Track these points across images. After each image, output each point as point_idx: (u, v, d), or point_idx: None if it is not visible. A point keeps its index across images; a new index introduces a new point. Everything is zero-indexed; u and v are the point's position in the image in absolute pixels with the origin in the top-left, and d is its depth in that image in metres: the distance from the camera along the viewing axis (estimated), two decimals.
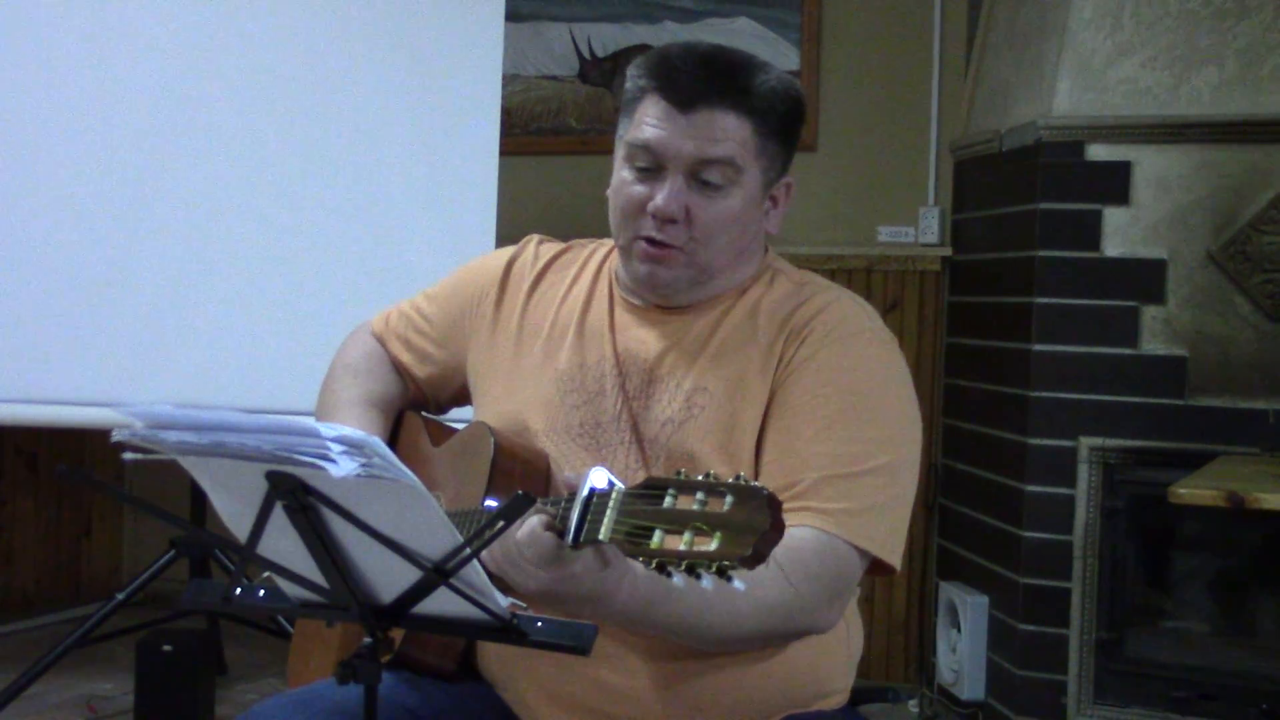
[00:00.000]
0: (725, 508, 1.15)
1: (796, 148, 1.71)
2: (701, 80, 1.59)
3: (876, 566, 1.57)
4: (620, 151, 1.66)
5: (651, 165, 1.62)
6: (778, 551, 1.48)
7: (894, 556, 1.57)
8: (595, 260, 1.79)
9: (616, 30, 4.15)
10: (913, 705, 3.70)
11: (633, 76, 1.65)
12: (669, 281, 1.65)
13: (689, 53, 1.63)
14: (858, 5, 3.99)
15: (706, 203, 1.61)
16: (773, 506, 1.14)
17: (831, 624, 1.56)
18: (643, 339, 1.69)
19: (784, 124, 1.65)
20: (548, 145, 4.20)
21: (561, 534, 1.31)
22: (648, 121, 1.61)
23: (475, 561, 1.25)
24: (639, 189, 1.63)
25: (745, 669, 1.59)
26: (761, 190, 1.66)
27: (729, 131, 1.60)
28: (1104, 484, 3.18)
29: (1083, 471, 3.19)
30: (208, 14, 3.34)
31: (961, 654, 3.44)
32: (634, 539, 1.19)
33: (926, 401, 3.76)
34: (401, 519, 1.23)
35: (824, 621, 1.55)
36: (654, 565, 1.17)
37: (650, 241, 1.63)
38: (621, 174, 1.65)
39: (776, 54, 3.95)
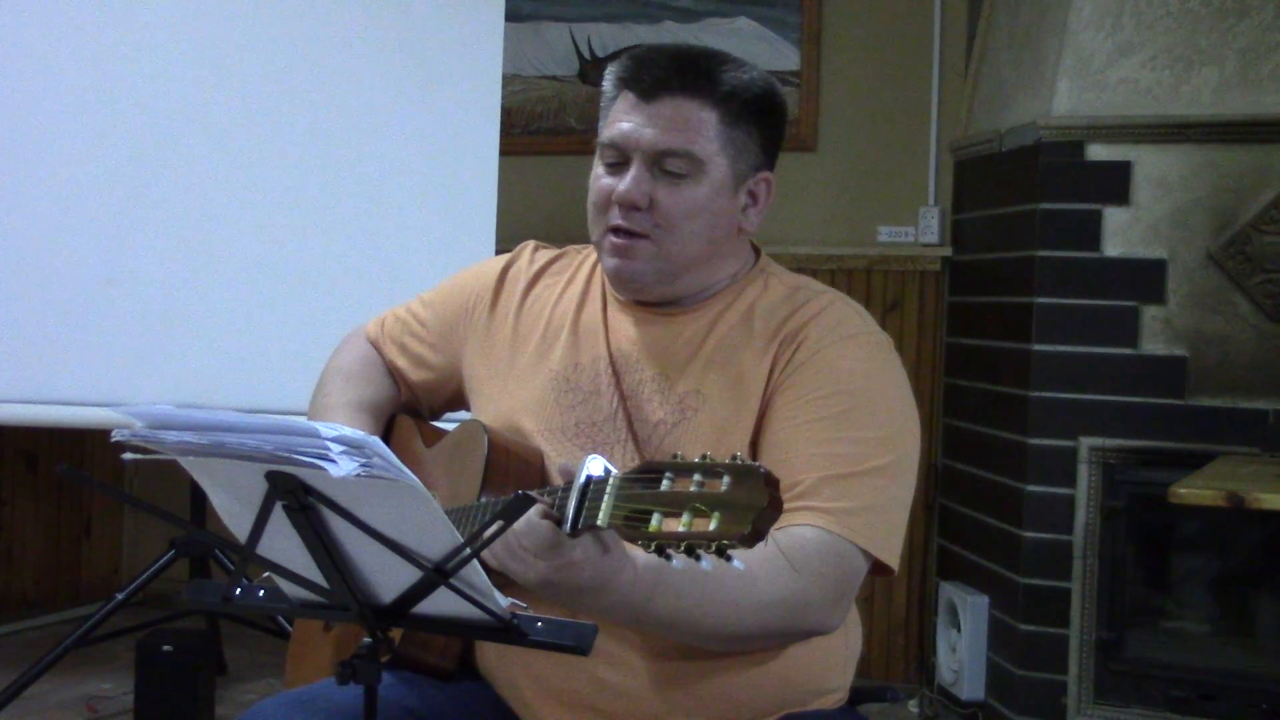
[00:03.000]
0: (723, 488, 1.15)
1: (777, 145, 1.70)
2: (664, 70, 1.62)
3: (875, 567, 1.57)
4: (596, 152, 1.68)
5: (619, 160, 1.64)
6: (783, 549, 1.49)
7: (893, 557, 1.57)
8: (589, 263, 1.80)
9: (616, 30, 4.15)
10: (913, 705, 3.70)
11: (606, 78, 1.68)
12: (637, 274, 1.65)
13: (659, 48, 1.66)
14: (858, 5, 3.99)
15: (670, 190, 1.62)
16: (770, 484, 1.15)
17: (836, 625, 1.56)
18: (636, 339, 1.69)
19: (753, 115, 1.64)
20: (548, 145, 4.20)
21: (559, 522, 1.31)
22: (616, 119, 1.64)
23: (475, 561, 1.25)
24: (607, 181, 1.65)
25: (745, 666, 1.59)
26: (733, 181, 1.65)
27: (690, 121, 1.61)
28: (1104, 484, 3.18)
29: (1083, 471, 3.19)
30: (208, 14, 3.34)
31: (961, 654, 3.44)
32: (632, 523, 1.20)
33: (926, 401, 3.76)
34: (401, 519, 1.23)
35: (828, 622, 1.55)
36: (653, 548, 1.17)
37: (617, 232, 1.64)
38: (595, 171, 1.68)
39: (776, 54, 3.95)
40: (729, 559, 1.15)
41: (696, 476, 1.17)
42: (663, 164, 1.61)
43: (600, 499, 1.24)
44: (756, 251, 1.75)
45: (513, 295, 1.80)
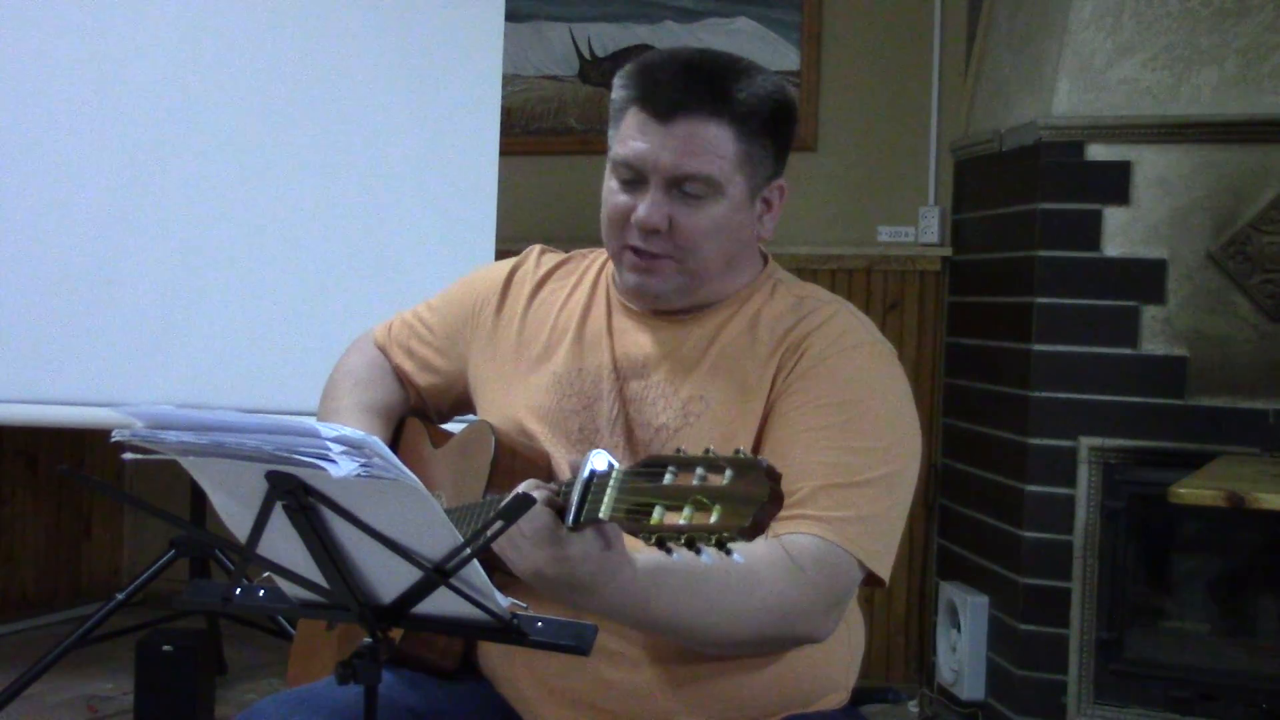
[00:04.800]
0: (724, 481, 1.15)
1: (789, 150, 1.69)
2: (680, 90, 1.59)
3: (866, 578, 1.58)
4: (608, 164, 1.67)
5: (634, 178, 1.63)
6: (778, 557, 1.49)
7: (884, 569, 1.57)
8: (595, 268, 1.80)
9: (616, 30, 4.15)
10: (913, 705, 3.70)
11: (617, 87, 1.66)
12: (660, 292, 1.65)
13: (670, 61, 1.64)
14: (858, 5, 3.99)
15: (689, 212, 1.61)
16: (771, 478, 1.15)
17: (828, 633, 1.56)
18: (641, 344, 1.69)
19: (769, 128, 1.64)
20: (548, 145, 4.20)
21: (562, 512, 1.31)
22: (630, 136, 1.62)
23: (475, 561, 1.25)
24: (623, 199, 1.64)
25: (749, 666, 1.59)
26: (749, 196, 1.65)
27: (709, 143, 1.59)
28: (1104, 484, 3.18)
29: (1083, 471, 3.19)
30: (208, 14, 3.34)
31: (961, 654, 3.44)
32: (634, 516, 1.20)
33: (926, 401, 3.76)
34: (402, 519, 1.23)
35: (821, 630, 1.55)
36: (654, 540, 1.17)
37: (637, 251, 1.63)
38: (609, 184, 1.67)
39: (776, 54, 3.95)
40: (729, 552, 1.15)
41: (699, 470, 1.17)
42: (681, 186, 1.61)
43: (603, 492, 1.24)
44: (764, 257, 1.75)
45: (519, 298, 1.80)
